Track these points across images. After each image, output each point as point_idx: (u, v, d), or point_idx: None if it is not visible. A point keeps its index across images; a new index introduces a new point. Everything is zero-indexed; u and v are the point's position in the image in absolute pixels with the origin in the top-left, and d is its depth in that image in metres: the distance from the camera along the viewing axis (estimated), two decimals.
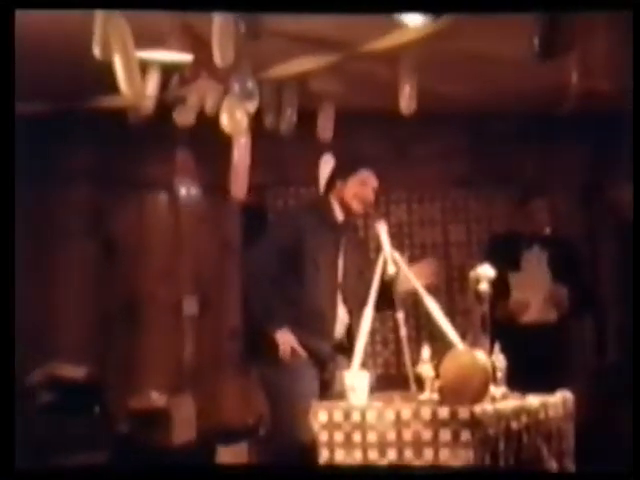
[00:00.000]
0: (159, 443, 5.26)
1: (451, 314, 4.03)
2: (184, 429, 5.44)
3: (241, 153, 4.26)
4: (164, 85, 4.25)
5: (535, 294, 4.93)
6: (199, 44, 3.71)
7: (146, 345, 5.92)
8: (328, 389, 3.98)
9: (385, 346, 6.04)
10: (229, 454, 5.39)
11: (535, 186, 5.41)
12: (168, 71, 4.20)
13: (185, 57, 4.02)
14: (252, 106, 3.70)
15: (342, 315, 4.13)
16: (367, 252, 4.43)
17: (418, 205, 6.20)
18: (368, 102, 4.89)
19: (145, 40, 3.76)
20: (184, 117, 4.17)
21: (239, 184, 4.42)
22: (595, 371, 5.48)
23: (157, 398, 5.52)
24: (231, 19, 3.39)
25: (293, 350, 4.02)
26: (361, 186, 4.08)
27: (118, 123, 4.63)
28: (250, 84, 3.59)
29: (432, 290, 3.94)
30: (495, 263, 3.92)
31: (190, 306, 6.01)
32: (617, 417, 5.42)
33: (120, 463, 4.92)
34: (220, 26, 3.39)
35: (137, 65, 3.55)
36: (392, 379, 4.55)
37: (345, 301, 4.13)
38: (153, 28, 3.70)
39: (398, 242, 6.09)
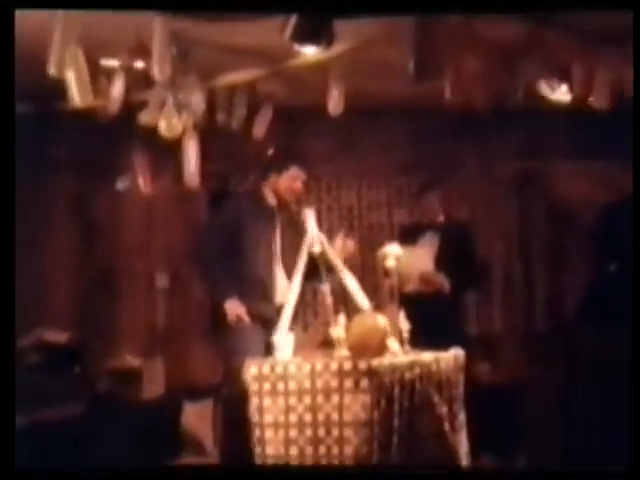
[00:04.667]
0: (131, 398, 5.70)
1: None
2: (154, 387, 5.89)
3: (189, 149, 4.95)
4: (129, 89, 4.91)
5: (415, 271, 5.42)
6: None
7: (122, 313, 6.42)
8: (273, 349, 4.39)
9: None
10: (195, 409, 5.91)
11: (429, 179, 5.95)
12: (132, 77, 4.83)
13: (139, 65, 4.61)
14: (189, 114, 4.38)
15: (284, 284, 4.72)
16: (302, 231, 4.86)
17: (367, 191, 6.81)
18: (313, 103, 5.51)
19: (104, 50, 4.36)
20: (147, 117, 4.83)
21: (190, 174, 5.10)
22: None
23: (131, 360, 5.93)
24: (167, 42, 4.01)
25: (239, 317, 4.67)
26: (292, 180, 4.79)
27: (92, 121, 5.17)
28: (183, 97, 4.27)
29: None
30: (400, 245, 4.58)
31: (162, 280, 6.52)
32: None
33: (97, 415, 5.39)
34: (157, 47, 4.01)
35: (87, 79, 4.15)
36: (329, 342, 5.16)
37: (286, 272, 4.74)
38: (110, 42, 4.29)
39: (349, 223, 6.81)
